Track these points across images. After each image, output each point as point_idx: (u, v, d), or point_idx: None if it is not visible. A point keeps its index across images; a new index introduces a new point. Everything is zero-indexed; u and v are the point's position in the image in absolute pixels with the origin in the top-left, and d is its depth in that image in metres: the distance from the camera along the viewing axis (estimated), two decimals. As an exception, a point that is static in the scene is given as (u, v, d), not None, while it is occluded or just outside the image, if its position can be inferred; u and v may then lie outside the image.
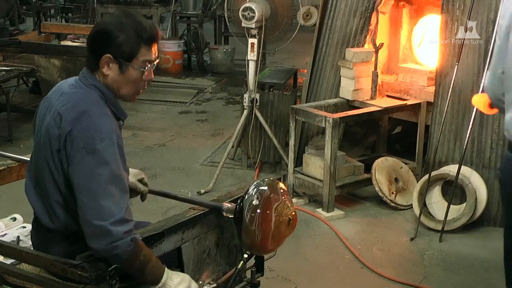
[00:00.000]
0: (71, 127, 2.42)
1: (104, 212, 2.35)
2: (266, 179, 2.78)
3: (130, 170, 2.81)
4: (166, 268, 2.54)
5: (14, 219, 3.90)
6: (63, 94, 2.57)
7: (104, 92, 2.56)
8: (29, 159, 3.66)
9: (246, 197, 2.66)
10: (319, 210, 5.43)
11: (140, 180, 2.96)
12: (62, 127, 2.44)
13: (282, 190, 2.77)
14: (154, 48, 2.60)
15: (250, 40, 6.03)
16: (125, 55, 2.53)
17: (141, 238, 2.46)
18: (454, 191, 5.09)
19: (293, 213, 2.80)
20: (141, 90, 2.66)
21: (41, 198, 2.61)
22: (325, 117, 5.33)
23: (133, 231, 2.40)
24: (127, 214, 2.41)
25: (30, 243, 3.47)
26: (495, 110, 3.00)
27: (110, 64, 2.54)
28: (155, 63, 2.62)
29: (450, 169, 5.21)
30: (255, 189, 2.67)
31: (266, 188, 2.70)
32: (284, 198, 2.75)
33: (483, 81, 5.05)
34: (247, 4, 5.93)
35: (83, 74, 2.61)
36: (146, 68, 2.58)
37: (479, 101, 3.12)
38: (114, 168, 2.40)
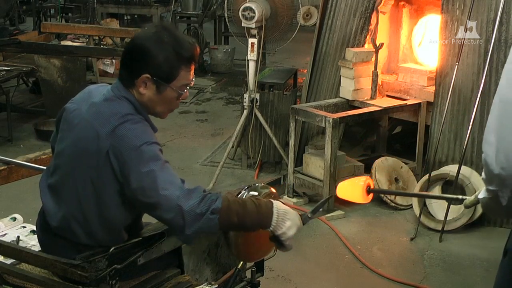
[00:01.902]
0: (110, 142, 2.35)
1: (171, 201, 2.30)
2: (257, 184, 2.75)
3: None
4: (276, 207, 2.45)
5: (14, 219, 3.90)
6: (93, 105, 2.48)
7: (136, 106, 2.48)
8: (20, 161, 3.68)
9: None
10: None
11: None
12: (100, 143, 2.37)
13: (272, 196, 2.74)
14: (193, 69, 2.53)
15: (250, 40, 6.03)
16: (164, 76, 2.45)
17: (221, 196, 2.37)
18: (454, 191, 5.09)
19: None
20: (174, 108, 2.61)
21: (56, 205, 2.55)
22: (325, 117, 5.33)
23: (206, 197, 2.33)
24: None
25: (30, 243, 3.48)
26: (371, 196, 2.67)
27: (148, 84, 2.46)
28: (192, 84, 2.56)
29: (450, 169, 5.21)
30: (245, 194, 2.65)
31: (256, 193, 2.67)
32: None
33: (481, 85, 5.05)
34: (247, 4, 5.93)
35: (116, 86, 2.52)
36: (185, 91, 2.53)
37: (346, 188, 2.70)
38: (160, 161, 2.36)
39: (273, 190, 2.76)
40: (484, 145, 2.16)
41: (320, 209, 2.69)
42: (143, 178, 2.33)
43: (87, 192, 2.44)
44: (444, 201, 5.21)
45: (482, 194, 2.35)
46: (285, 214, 2.46)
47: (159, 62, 2.43)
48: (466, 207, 2.61)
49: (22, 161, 3.60)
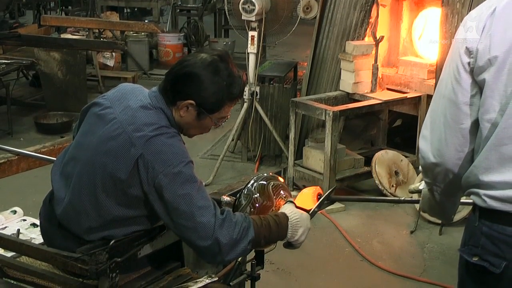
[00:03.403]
0: (141, 152, 2.33)
1: (208, 230, 2.32)
2: (266, 174, 2.78)
3: None
4: (288, 219, 2.54)
5: (14, 212, 3.91)
6: (129, 109, 2.45)
7: (170, 119, 2.48)
8: (28, 152, 3.69)
9: (245, 191, 2.67)
10: (319, 203, 5.43)
11: None
12: (131, 150, 2.34)
13: (281, 185, 2.77)
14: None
15: (250, 33, 6.02)
16: (208, 107, 2.47)
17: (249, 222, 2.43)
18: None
19: None
20: (205, 133, 2.64)
21: (67, 199, 2.52)
22: (325, 110, 5.33)
23: (237, 224, 2.36)
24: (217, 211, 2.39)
25: (30, 236, 3.49)
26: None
27: (189, 108, 2.46)
28: (228, 117, 2.60)
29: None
30: (255, 184, 2.68)
31: (265, 183, 2.70)
32: (284, 194, 2.75)
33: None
34: (247, -3, 5.92)
35: (155, 96, 2.50)
36: (225, 121, 2.58)
37: (301, 200, 2.76)
38: (196, 183, 2.37)
39: (281, 179, 2.81)
40: (420, 139, 2.21)
41: (325, 201, 2.77)
42: (179, 201, 2.33)
43: (108, 190, 2.41)
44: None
45: (423, 185, 2.40)
46: (297, 222, 2.55)
47: (208, 94, 2.44)
48: (410, 192, 2.68)
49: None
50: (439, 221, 5.02)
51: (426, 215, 5.15)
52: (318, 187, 2.84)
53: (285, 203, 2.65)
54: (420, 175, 5.33)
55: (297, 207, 2.63)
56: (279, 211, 2.61)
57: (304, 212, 2.61)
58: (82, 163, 2.49)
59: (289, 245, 2.59)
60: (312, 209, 2.68)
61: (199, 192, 2.36)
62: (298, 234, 2.55)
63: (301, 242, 2.58)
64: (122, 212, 2.44)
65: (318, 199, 2.74)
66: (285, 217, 2.54)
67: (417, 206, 5.17)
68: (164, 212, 2.37)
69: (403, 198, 2.98)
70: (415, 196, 2.75)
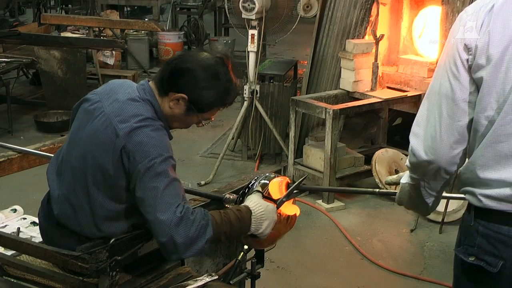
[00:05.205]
0: (125, 142, 2.36)
1: (164, 228, 2.31)
2: (268, 174, 2.77)
3: None
4: (251, 213, 2.53)
5: (15, 210, 3.90)
6: (116, 101, 2.48)
7: (157, 111, 2.50)
8: (30, 150, 3.69)
9: (248, 189, 2.67)
10: (319, 201, 5.43)
11: None
12: (116, 141, 2.37)
13: (284, 186, 2.76)
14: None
15: (250, 32, 6.02)
16: (199, 106, 2.50)
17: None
18: (454, 182, 5.08)
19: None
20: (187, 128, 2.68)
21: (63, 196, 2.54)
22: (326, 108, 5.33)
23: (195, 222, 2.34)
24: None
25: (30, 234, 3.49)
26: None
27: (180, 102, 2.49)
28: (213, 119, 2.65)
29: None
30: (258, 183, 2.68)
31: (267, 182, 2.70)
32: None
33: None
34: (247, -5, 5.92)
35: (144, 88, 2.53)
36: (208, 123, 2.61)
37: (272, 190, 2.70)
38: (168, 178, 2.36)
39: (282, 178, 2.78)
40: (411, 137, 2.20)
41: (294, 191, 2.74)
42: (147, 193, 2.34)
43: (98, 184, 2.43)
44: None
45: (405, 179, 2.39)
46: (262, 216, 2.55)
47: (203, 94, 2.48)
48: (387, 183, 2.67)
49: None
50: (439, 220, 5.03)
51: (426, 214, 5.15)
52: (286, 177, 2.81)
53: (252, 193, 2.63)
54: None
55: (264, 197, 2.62)
56: (244, 203, 2.60)
57: (270, 204, 2.59)
58: (74, 158, 2.52)
59: (254, 237, 2.58)
60: (280, 199, 2.65)
61: (169, 188, 2.35)
62: (263, 227, 2.54)
63: (266, 234, 2.57)
64: (114, 207, 2.46)
65: (287, 188, 2.72)
66: (248, 211, 2.53)
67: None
68: (138, 202, 2.39)
69: (377, 190, 2.95)
70: (392, 188, 2.75)
